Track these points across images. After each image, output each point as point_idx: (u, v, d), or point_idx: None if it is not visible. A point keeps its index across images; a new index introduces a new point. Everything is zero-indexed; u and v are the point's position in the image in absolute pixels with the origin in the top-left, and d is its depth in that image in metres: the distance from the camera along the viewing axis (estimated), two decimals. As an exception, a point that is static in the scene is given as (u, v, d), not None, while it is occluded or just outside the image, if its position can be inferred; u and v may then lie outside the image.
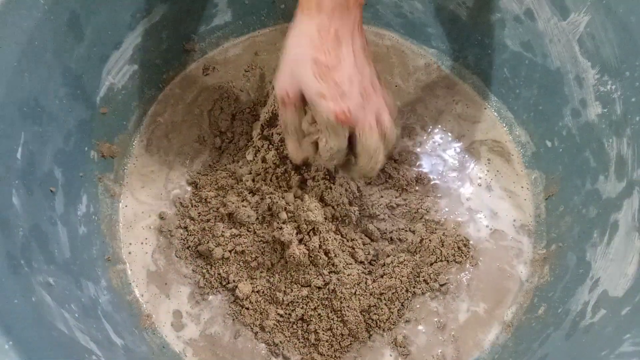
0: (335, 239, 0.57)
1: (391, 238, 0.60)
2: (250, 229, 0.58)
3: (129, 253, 0.60)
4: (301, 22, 0.46)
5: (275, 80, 0.49)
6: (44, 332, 0.41)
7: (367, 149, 0.49)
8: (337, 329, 0.55)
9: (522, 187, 0.64)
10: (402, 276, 0.57)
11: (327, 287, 0.56)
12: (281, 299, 0.56)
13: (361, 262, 0.58)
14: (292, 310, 0.56)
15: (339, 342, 0.55)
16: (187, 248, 0.59)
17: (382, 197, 0.61)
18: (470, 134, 0.66)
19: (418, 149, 0.65)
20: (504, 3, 0.59)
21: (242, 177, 0.60)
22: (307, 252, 0.55)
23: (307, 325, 0.56)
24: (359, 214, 0.59)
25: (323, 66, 0.44)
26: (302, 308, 0.56)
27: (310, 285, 0.56)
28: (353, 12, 0.45)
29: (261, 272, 0.57)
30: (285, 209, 0.57)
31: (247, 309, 0.56)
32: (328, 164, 0.56)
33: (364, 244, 0.59)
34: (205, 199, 0.60)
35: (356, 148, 0.50)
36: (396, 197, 0.62)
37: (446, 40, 0.67)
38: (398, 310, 0.57)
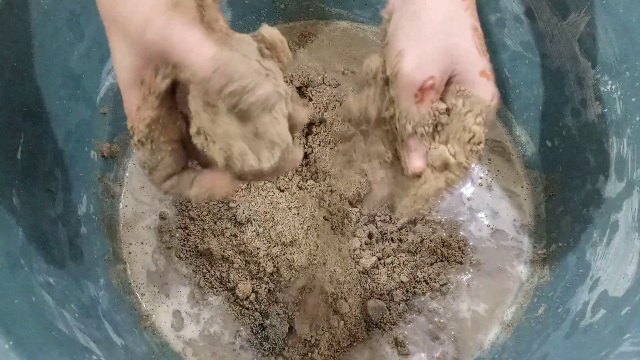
0: (335, 239, 0.57)
1: (392, 238, 0.60)
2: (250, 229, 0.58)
3: (129, 253, 0.60)
4: None
5: (403, 62, 0.35)
6: (44, 332, 0.41)
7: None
8: (337, 329, 0.55)
9: (522, 187, 0.64)
10: (403, 276, 0.57)
11: (328, 287, 0.56)
12: (281, 299, 0.56)
13: (362, 263, 0.58)
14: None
15: (339, 343, 0.55)
16: (187, 248, 0.59)
17: (382, 197, 0.61)
18: (470, 134, 0.66)
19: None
20: (504, 3, 0.59)
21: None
22: (307, 252, 0.55)
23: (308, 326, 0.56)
24: (360, 214, 0.59)
25: (480, 36, 0.34)
26: (302, 308, 0.56)
27: (310, 285, 0.56)
28: None
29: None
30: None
31: (247, 309, 0.56)
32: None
33: (364, 244, 0.59)
34: (205, 199, 0.60)
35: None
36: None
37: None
38: (398, 310, 0.57)
